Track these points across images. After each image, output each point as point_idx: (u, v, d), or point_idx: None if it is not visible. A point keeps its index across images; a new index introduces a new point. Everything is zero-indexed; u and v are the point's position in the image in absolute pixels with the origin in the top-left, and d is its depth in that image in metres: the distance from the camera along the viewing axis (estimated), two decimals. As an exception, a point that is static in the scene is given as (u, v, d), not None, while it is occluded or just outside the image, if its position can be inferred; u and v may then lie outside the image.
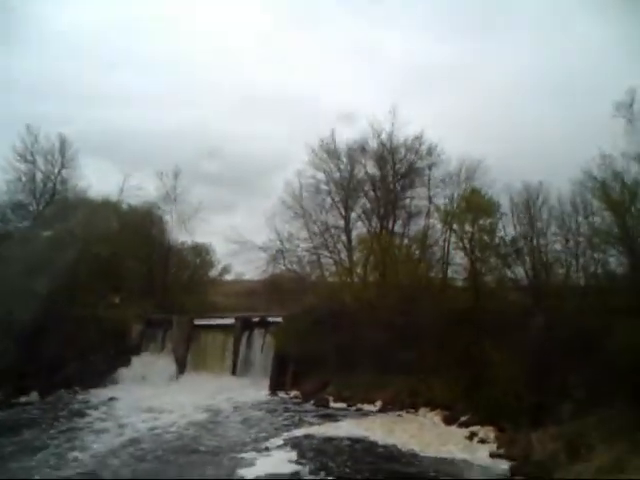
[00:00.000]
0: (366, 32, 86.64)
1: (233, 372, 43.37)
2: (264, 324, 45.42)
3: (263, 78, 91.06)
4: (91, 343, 41.42)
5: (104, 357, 42.29)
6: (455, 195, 39.91)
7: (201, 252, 57.82)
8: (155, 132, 72.67)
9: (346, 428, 29.44)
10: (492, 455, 24.15)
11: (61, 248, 38.96)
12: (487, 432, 26.70)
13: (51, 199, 44.92)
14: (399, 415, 31.93)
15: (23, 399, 36.26)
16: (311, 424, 30.58)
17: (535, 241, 34.64)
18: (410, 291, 37.04)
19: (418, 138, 40.43)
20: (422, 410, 31.71)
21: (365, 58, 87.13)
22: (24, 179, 44.09)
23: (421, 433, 27.94)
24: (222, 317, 48.40)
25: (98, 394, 38.53)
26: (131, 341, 44.70)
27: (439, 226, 40.08)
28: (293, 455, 24.87)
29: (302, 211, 44.18)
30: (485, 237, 36.72)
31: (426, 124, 39.32)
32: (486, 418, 27.68)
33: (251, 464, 23.42)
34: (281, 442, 26.89)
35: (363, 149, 43.11)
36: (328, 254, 43.15)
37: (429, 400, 31.89)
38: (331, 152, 43.49)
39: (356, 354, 36.58)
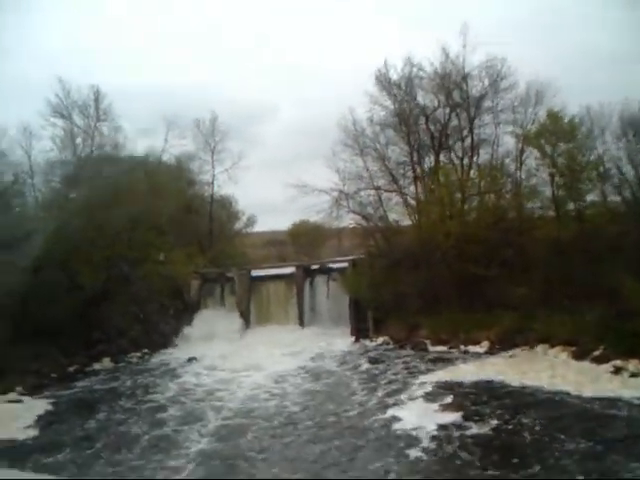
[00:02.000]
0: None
1: (300, 322, 40.78)
2: (325, 271, 42.64)
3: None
4: (151, 303, 38.29)
5: (165, 317, 39.45)
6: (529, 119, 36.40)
7: (226, 204, 54.12)
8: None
9: (472, 371, 26.79)
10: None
11: (103, 208, 35.29)
12: (633, 365, 24.05)
13: (91, 154, 40.82)
14: (511, 356, 29.21)
15: (97, 366, 33.50)
16: (430, 370, 27.82)
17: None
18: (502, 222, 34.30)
19: (490, 61, 36.30)
20: (540, 347, 28.96)
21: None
22: (62, 135, 39.91)
23: (559, 372, 25.24)
24: (279, 267, 45.61)
25: (171, 355, 36.11)
26: (190, 298, 41.60)
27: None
28: (440, 404, 22.24)
29: (362, 148, 40.29)
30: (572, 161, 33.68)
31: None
32: (624, 350, 25.04)
33: (403, 419, 20.69)
34: (418, 392, 24.16)
35: (420, 78, 39.24)
36: (397, 191, 39.53)
37: (545, 336, 29.16)
38: (387, 83, 39.56)
39: (443, 293, 34.29)
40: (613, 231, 29.96)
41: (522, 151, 36.52)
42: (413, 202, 39.91)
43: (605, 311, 26.72)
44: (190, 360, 33.87)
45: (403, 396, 23.63)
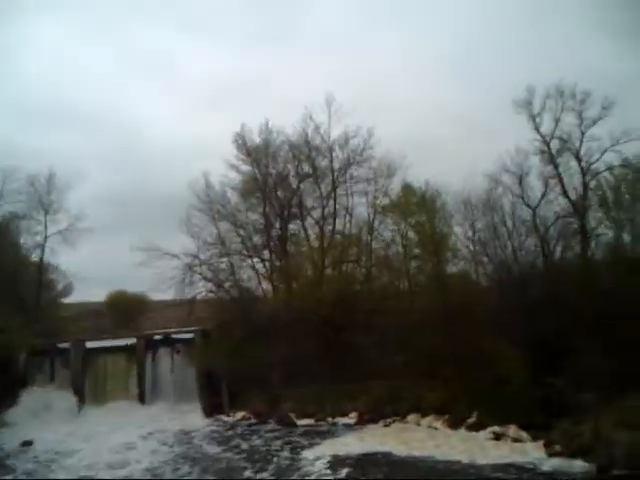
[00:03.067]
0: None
1: (141, 400, 37.04)
2: (169, 342, 39.65)
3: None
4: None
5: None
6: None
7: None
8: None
9: (355, 444, 25.48)
10: (551, 454, 21.64)
11: None
12: (513, 431, 24.25)
13: None
14: (386, 425, 28.50)
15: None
16: (310, 445, 26.08)
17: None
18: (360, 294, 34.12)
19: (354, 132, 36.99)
20: (411, 417, 28.53)
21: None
22: None
23: (441, 441, 24.83)
24: (117, 338, 41.60)
25: (-1, 438, 30.37)
26: (16, 373, 36.17)
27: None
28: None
29: (214, 214, 38.76)
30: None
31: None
32: (500, 417, 25.28)
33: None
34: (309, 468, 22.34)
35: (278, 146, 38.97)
36: (253, 256, 38.17)
37: (414, 406, 28.83)
38: (245, 148, 38.82)
39: (302, 365, 32.96)
40: (472, 302, 30.36)
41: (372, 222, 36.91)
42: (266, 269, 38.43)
43: (477, 378, 26.71)
44: (25, 444, 28.95)
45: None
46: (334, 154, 37.70)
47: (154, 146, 70.42)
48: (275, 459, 24.10)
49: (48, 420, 33.45)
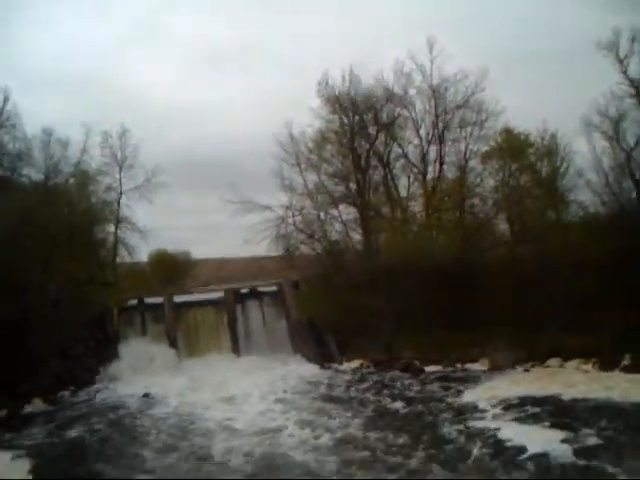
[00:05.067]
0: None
1: (235, 351, 35.64)
2: (257, 295, 38.17)
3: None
4: (68, 335, 31.00)
5: (86, 350, 32.26)
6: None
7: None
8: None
9: (511, 388, 24.03)
10: None
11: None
12: None
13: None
14: (526, 370, 27.24)
15: (29, 409, 26.34)
16: (459, 391, 24.64)
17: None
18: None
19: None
20: (551, 361, 27.29)
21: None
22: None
23: (609, 383, 23.25)
24: (204, 292, 40.03)
25: (113, 392, 29.49)
26: (111, 329, 34.54)
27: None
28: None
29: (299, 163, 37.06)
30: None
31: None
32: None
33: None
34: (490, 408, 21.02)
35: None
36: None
37: (552, 351, 27.47)
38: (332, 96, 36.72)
39: (414, 314, 31.47)
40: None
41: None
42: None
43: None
44: (146, 396, 27.25)
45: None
46: (438, 97, 35.03)
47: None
48: (440, 404, 22.65)
49: (152, 373, 31.86)
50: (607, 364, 25.38)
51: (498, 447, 16.68)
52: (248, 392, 26.60)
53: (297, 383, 28.44)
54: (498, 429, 18.69)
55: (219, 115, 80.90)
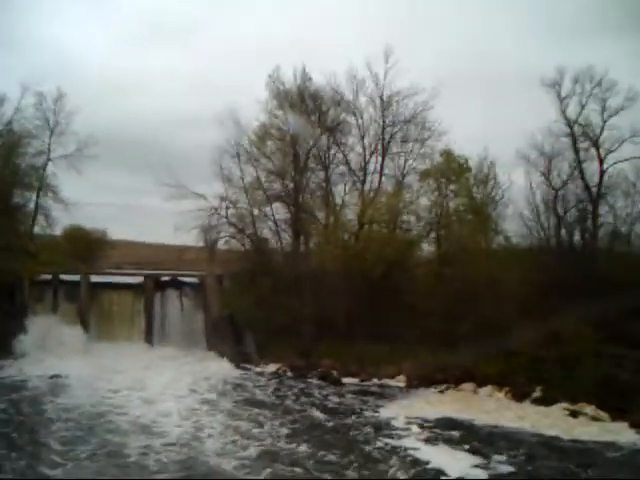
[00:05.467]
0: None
1: (148, 340, 34.72)
2: (177, 285, 37.16)
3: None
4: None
5: (-10, 321, 30.38)
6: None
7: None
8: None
9: (426, 408, 24.28)
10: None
11: None
12: (591, 409, 23.44)
13: None
14: (441, 392, 27.55)
15: None
16: (376, 406, 24.64)
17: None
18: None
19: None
20: (465, 385, 27.64)
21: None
22: None
23: (520, 413, 23.91)
24: (124, 274, 38.66)
25: (18, 370, 28.26)
26: (20, 302, 32.74)
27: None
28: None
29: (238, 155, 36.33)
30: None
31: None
32: (565, 393, 24.79)
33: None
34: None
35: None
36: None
37: (466, 375, 27.94)
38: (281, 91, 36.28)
39: (335, 321, 31.62)
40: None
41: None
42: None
43: (541, 354, 26.32)
44: (53, 377, 26.00)
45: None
46: (386, 108, 35.15)
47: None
48: (360, 419, 22.58)
49: (60, 354, 30.53)
50: (519, 394, 25.92)
51: (422, 470, 16.59)
52: (165, 387, 25.89)
53: (216, 382, 27.81)
54: (417, 449, 18.79)
55: (159, 93, 77.92)
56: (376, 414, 23.16)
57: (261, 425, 20.63)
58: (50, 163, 38.28)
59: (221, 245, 37.09)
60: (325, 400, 25.28)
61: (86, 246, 55.04)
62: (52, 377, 26.30)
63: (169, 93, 76.89)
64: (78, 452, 16.88)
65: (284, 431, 19.99)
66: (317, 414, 22.75)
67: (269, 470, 15.84)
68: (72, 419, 20.31)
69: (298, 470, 16.03)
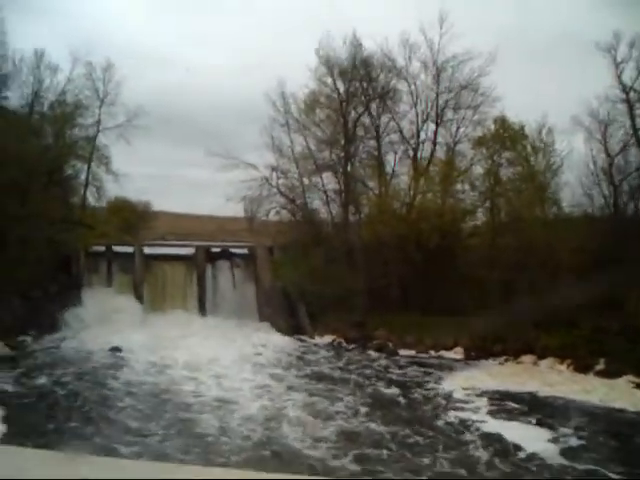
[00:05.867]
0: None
1: (201, 311, 34.64)
2: (227, 256, 37.05)
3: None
4: (32, 275, 29.40)
5: (47, 293, 30.72)
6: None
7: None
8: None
9: (487, 380, 24.05)
10: None
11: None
12: None
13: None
14: (500, 364, 27.26)
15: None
16: (438, 378, 24.54)
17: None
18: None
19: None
20: (525, 358, 27.26)
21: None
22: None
23: (586, 386, 23.48)
24: (175, 246, 38.81)
25: (77, 341, 28.33)
26: (76, 274, 33.05)
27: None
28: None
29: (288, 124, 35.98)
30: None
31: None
32: (631, 366, 24.28)
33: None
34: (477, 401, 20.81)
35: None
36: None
37: (526, 347, 27.53)
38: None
39: (389, 293, 31.24)
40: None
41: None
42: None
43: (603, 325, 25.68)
44: (113, 350, 26.29)
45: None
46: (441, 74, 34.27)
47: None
48: (425, 391, 22.50)
49: (116, 325, 30.56)
50: (581, 367, 25.46)
51: (501, 447, 16.38)
52: (227, 359, 25.64)
53: (277, 354, 27.78)
54: (486, 422, 18.70)
55: (204, 65, 77.16)
56: (439, 386, 22.97)
57: (333, 401, 20.13)
58: (100, 135, 37.90)
59: (272, 216, 36.51)
60: (387, 372, 25.13)
61: (131, 218, 55.80)
62: (112, 349, 26.31)
63: (216, 64, 75.01)
64: (153, 429, 16.77)
65: (359, 408, 19.49)
66: (384, 388, 22.55)
67: (355, 452, 15.38)
68: (140, 394, 20.25)
69: (385, 453, 15.65)
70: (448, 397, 21.44)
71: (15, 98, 33.23)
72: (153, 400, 19.83)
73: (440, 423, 18.50)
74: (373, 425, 17.82)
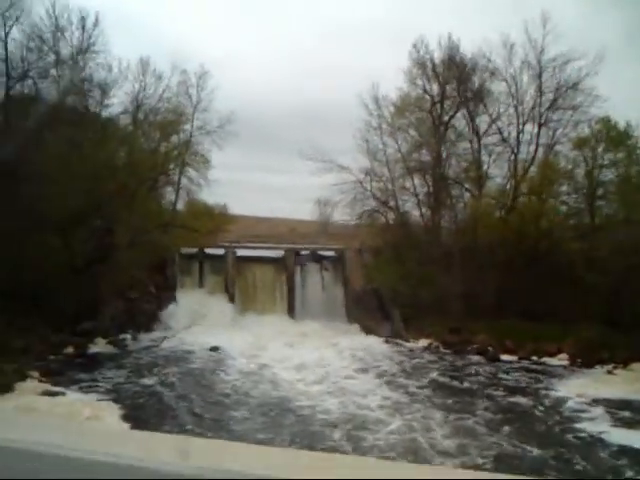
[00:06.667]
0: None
1: (290, 313, 34.64)
2: (316, 258, 36.91)
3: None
4: (132, 277, 30.29)
5: (145, 294, 31.32)
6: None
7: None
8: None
9: (602, 388, 22.72)
10: None
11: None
12: None
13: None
14: (609, 372, 25.86)
15: (93, 349, 25.77)
16: (548, 385, 23.60)
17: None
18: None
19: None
20: (636, 365, 25.86)
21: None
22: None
23: None
24: (265, 248, 38.98)
25: (177, 340, 28.88)
26: (171, 276, 33.62)
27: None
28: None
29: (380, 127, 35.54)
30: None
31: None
32: None
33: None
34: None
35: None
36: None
37: (635, 354, 26.12)
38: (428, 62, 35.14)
39: (487, 296, 30.21)
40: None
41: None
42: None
43: None
44: (213, 349, 26.47)
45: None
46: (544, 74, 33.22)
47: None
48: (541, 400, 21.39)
49: (209, 326, 30.82)
50: None
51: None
52: (330, 364, 25.27)
53: (379, 358, 27.12)
54: (608, 432, 17.62)
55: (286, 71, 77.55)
56: (554, 395, 21.95)
57: (471, 415, 18.88)
58: (192, 139, 38.54)
59: (364, 219, 36.18)
60: (497, 379, 24.16)
61: (209, 221, 56.22)
62: (212, 349, 26.49)
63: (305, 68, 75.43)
64: (276, 443, 15.70)
65: (501, 426, 17.83)
66: (507, 398, 21.44)
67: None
68: (249, 402, 19.59)
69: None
70: (566, 408, 20.35)
71: (118, 105, 33.85)
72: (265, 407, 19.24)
73: (571, 439, 17.43)
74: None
